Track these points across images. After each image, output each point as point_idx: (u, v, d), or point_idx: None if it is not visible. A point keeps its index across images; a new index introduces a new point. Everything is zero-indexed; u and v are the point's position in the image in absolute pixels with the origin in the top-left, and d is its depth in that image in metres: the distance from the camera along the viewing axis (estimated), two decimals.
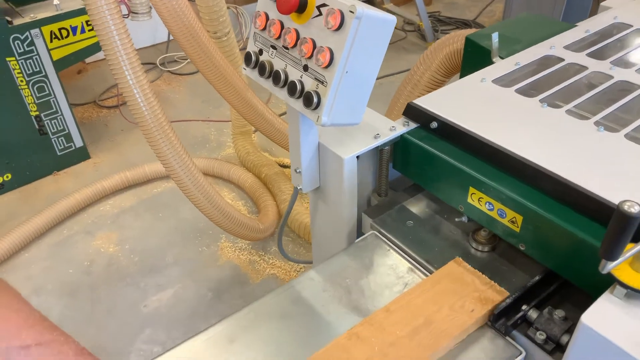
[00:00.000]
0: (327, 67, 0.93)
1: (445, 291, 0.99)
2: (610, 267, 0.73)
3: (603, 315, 0.77)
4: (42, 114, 2.80)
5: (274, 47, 1.04)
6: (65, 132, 2.93)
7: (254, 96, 2.35)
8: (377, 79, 0.99)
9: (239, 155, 2.94)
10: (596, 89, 1.22)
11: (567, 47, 1.40)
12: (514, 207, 1.00)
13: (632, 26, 1.49)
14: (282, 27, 1.01)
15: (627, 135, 1.06)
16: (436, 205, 1.23)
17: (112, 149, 3.21)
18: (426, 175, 1.18)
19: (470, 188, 1.07)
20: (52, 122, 2.86)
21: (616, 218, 0.66)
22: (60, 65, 2.79)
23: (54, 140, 2.91)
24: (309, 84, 0.97)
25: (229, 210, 2.06)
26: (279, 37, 1.01)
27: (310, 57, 0.95)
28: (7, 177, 2.83)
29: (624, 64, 1.32)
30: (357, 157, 1.16)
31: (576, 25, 1.55)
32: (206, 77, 2.13)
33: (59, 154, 2.96)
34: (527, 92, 1.22)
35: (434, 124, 1.16)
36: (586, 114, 1.15)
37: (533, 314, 0.94)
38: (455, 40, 1.67)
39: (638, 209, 0.65)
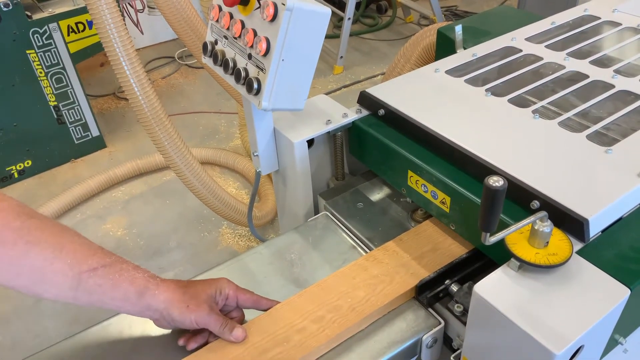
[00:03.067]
0: (265, 55, 1.01)
1: (379, 267, 1.06)
2: (493, 239, 0.79)
3: (493, 285, 0.83)
4: (60, 104, 2.97)
5: (225, 37, 1.13)
6: (82, 122, 3.09)
7: None
8: None
9: (245, 146, 3.05)
10: (544, 78, 1.26)
11: (528, 39, 1.44)
12: (443, 189, 1.06)
13: (599, 18, 1.52)
14: (231, 18, 1.09)
15: (561, 123, 1.11)
16: (387, 188, 1.29)
17: (127, 139, 3.37)
18: (375, 160, 1.25)
19: (409, 171, 1.13)
20: (70, 112, 3.02)
21: (484, 193, 0.73)
22: (77, 57, 2.95)
23: (72, 130, 3.08)
24: (252, 71, 1.06)
25: (226, 197, 2.17)
26: (229, 27, 1.10)
27: (252, 46, 1.03)
28: (28, 163, 3.02)
29: (579, 55, 1.35)
30: (310, 141, 1.24)
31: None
32: (208, 71, 2.24)
33: (76, 142, 3.13)
34: (475, 81, 1.27)
35: (381, 111, 1.22)
36: (528, 103, 1.20)
37: (454, 288, 1.01)
38: (431, 33, 1.72)
39: (502, 184, 0.71)
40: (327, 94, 3.63)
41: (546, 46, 1.40)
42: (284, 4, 0.96)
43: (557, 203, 0.91)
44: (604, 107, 1.18)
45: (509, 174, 0.98)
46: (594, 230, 0.89)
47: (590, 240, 0.89)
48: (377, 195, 1.29)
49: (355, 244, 1.17)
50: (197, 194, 2.11)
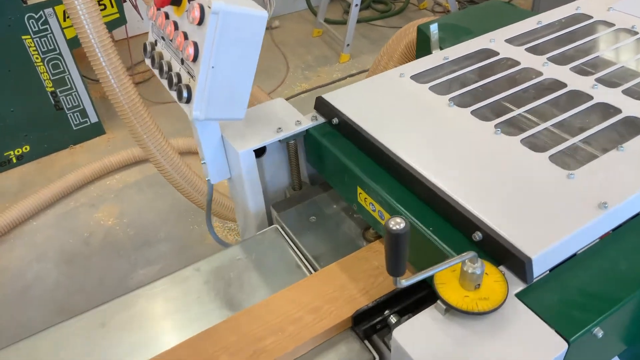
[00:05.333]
0: (194, 61, 0.94)
1: (319, 292, 0.99)
2: (406, 282, 0.71)
3: (415, 330, 0.75)
4: (57, 90, 2.94)
5: (163, 39, 1.05)
6: (80, 108, 3.07)
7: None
8: None
9: None
10: (517, 86, 1.15)
11: (508, 40, 1.32)
12: (389, 210, 0.97)
13: (592, 17, 1.38)
14: (167, 18, 1.02)
15: (524, 140, 1.01)
16: (344, 201, 1.21)
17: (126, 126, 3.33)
18: (328, 172, 1.16)
19: (358, 188, 1.05)
20: (67, 98, 3.00)
21: (386, 236, 0.64)
22: (74, 43, 2.91)
23: (70, 116, 3.06)
24: (185, 78, 0.98)
25: (206, 190, 2.11)
26: (164, 28, 1.02)
27: (182, 50, 0.96)
28: (26, 149, 3.02)
29: (562, 60, 1.24)
30: (261, 149, 1.16)
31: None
32: None
33: (74, 128, 3.11)
34: (441, 89, 1.17)
35: (335, 120, 1.14)
36: (493, 116, 1.09)
37: (393, 320, 0.93)
38: (413, 29, 1.61)
39: (403, 227, 0.62)
40: (331, 83, 3.54)
41: (527, 49, 1.28)
42: (209, 7, 0.88)
43: (499, 237, 0.81)
44: (577, 122, 1.07)
45: (454, 199, 0.89)
46: (540, 269, 0.80)
47: (535, 280, 0.80)
48: (333, 208, 1.21)
49: (300, 263, 1.09)
50: (178, 187, 2.06)
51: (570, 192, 0.88)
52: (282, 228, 1.17)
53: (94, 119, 3.16)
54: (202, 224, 2.63)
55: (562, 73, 1.18)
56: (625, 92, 1.10)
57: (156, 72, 1.06)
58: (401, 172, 0.98)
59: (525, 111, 1.09)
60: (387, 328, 0.94)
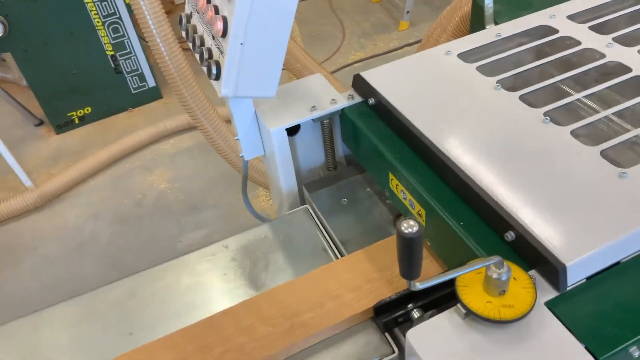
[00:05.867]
0: (223, 36, 0.91)
1: (345, 279, 0.96)
2: (421, 286, 0.66)
3: (430, 333, 0.71)
4: (117, 54, 3.01)
5: (197, 12, 1.03)
6: (138, 72, 3.13)
7: (296, 47, 2.36)
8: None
9: None
10: (574, 70, 1.05)
11: (571, 17, 1.20)
12: (419, 200, 0.92)
13: None
14: None
15: (574, 132, 0.92)
16: (378, 185, 1.17)
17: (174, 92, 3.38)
18: (362, 154, 1.12)
19: (390, 174, 1.00)
20: (127, 62, 3.07)
21: (399, 240, 0.60)
22: None
23: (129, 79, 3.14)
24: (215, 53, 0.96)
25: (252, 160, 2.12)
26: (197, 1, 1.00)
27: (212, 25, 0.93)
28: (88, 110, 3.13)
29: (630, 41, 1.11)
30: (295, 127, 1.13)
31: None
32: None
33: (133, 92, 3.19)
34: (489, 70, 1.08)
35: (372, 100, 1.08)
36: (543, 102, 1.00)
37: (416, 314, 0.89)
38: (468, 0, 1.50)
39: (416, 230, 0.58)
40: (388, 52, 3.43)
41: (590, 27, 1.16)
42: None
43: (533, 238, 0.75)
44: (637, 114, 0.96)
45: (488, 192, 0.82)
46: (575, 277, 0.73)
47: (569, 289, 0.73)
48: (366, 192, 1.16)
49: (327, 247, 1.07)
50: (224, 155, 2.08)
51: (620, 193, 0.80)
52: (313, 209, 1.14)
53: (151, 83, 3.22)
54: (250, 192, 2.65)
55: (628, 56, 1.06)
56: None
57: (190, 45, 1.04)
58: (434, 160, 0.92)
59: (581, 98, 0.99)
60: (410, 322, 0.90)
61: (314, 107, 1.11)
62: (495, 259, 0.68)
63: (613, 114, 0.95)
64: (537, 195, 0.81)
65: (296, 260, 1.05)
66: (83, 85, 3.02)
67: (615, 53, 1.08)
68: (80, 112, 3.12)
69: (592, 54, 1.09)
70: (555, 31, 1.17)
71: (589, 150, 0.88)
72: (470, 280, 0.72)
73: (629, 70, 1.03)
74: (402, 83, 1.08)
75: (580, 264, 0.72)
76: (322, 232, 1.09)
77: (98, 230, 2.57)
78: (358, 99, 1.13)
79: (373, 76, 1.11)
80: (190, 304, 1.00)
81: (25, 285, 2.37)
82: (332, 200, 1.15)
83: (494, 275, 0.68)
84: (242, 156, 1.20)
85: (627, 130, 0.92)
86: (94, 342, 0.97)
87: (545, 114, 0.95)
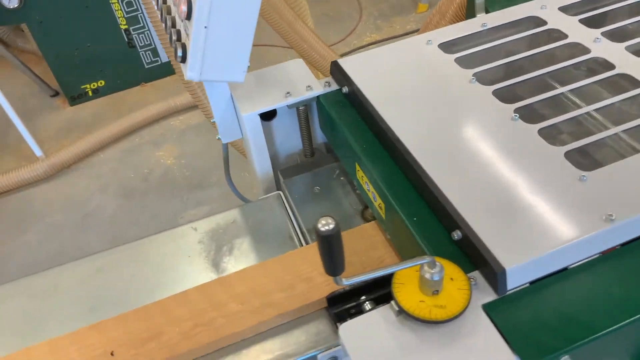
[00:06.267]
0: (188, 19, 0.90)
1: (299, 268, 0.96)
2: (346, 282, 0.66)
3: (362, 328, 0.71)
4: (130, 28, 3.03)
5: None
6: (151, 47, 3.15)
7: (304, 27, 2.34)
8: None
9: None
10: (554, 65, 1.01)
11: (563, 8, 1.16)
12: (380, 193, 0.91)
13: None
14: None
15: (543, 130, 0.89)
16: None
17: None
18: (334, 143, 1.11)
19: (356, 164, 0.99)
20: (140, 36, 3.09)
21: (317, 237, 0.59)
22: None
23: (142, 54, 3.16)
24: (183, 36, 0.95)
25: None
26: None
27: (177, 6, 0.92)
28: (101, 83, 3.17)
29: (620, 36, 1.07)
30: (271, 113, 1.12)
31: None
32: None
33: (146, 67, 3.22)
34: (468, 62, 1.05)
35: (345, 89, 1.07)
36: (517, 97, 0.97)
37: (367, 307, 0.89)
38: None
39: (331, 227, 0.57)
40: (403, 35, 3.37)
41: (581, 20, 1.11)
42: None
43: (477, 239, 0.74)
44: (613, 114, 0.93)
45: (441, 189, 0.81)
46: (515, 282, 0.72)
47: (509, 293, 0.72)
48: (340, 180, 1.16)
49: (294, 234, 1.07)
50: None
51: (576, 198, 0.77)
52: (284, 196, 1.14)
53: (164, 58, 3.23)
54: (241, 173, 2.67)
55: (614, 52, 1.02)
56: None
57: (163, 26, 1.04)
58: (396, 153, 0.91)
59: (557, 95, 0.96)
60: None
61: (288, 93, 1.10)
62: (427, 258, 0.67)
63: (585, 114, 0.91)
64: (490, 196, 0.80)
65: (260, 246, 1.05)
66: (97, 58, 3.06)
67: (601, 48, 1.03)
68: (93, 85, 3.17)
69: (577, 49, 1.05)
70: (544, 23, 1.13)
71: (553, 150, 0.85)
72: (407, 277, 0.72)
73: (612, 67, 0.99)
74: (378, 72, 1.06)
75: (521, 268, 0.71)
76: (291, 220, 1.09)
77: (104, 203, 2.63)
78: (335, 86, 1.11)
79: (350, 64, 1.10)
80: (152, 284, 1.02)
81: (32, 252, 2.45)
82: (305, 187, 1.15)
83: (427, 275, 0.68)
84: (219, 138, 1.20)
85: (600, 130, 0.89)
86: (56, 316, 1.00)
87: (516, 110, 0.93)
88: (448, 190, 0.81)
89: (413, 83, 1.03)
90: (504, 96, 0.97)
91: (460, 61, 1.06)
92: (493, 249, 0.72)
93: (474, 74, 1.02)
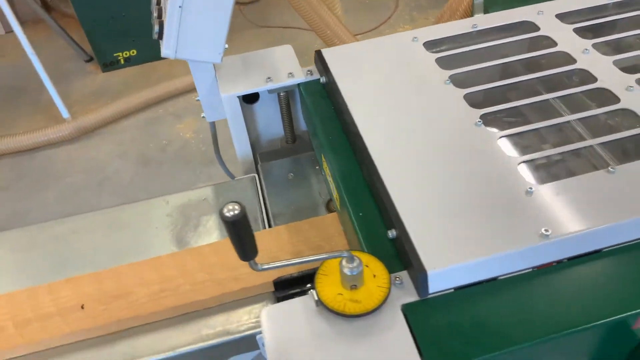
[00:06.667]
0: None
1: (288, 242, 0.98)
2: (262, 267, 0.67)
3: (283, 314, 0.72)
4: None
5: None
6: None
7: (328, 13, 2.34)
8: None
9: None
10: (535, 73, 0.99)
11: (560, 15, 1.12)
12: (336, 185, 0.92)
13: None
14: None
15: (503, 138, 0.88)
16: None
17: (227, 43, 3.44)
18: (310, 132, 1.12)
19: (322, 156, 1.00)
20: None
21: (224, 223, 0.60)
22: None
23: None
24: (164, 13, 0.98)
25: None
26: None
27: None
28: (133, 52, 3.25)
29: (611, 49, 1.03)
30: (253, 96, 1.15)
31: None
32: None
33: None
34: (448, 63, 1.04)
35: (323, 79, 1.08)
36: (486, 103, 0.96)
37: (315, 296, 0.90)
38: None
39: (235, 214, 0.58)
40: None
41: (576, 29, 1.08)
42: None
43: (407, 240, 0.74)
44: (583, 127, 0.90)
45: (386, 187, 0.81)
46: (438, 286, 0.72)
47: (431, 296, 0.72)
48: (314, 169, 1.17)
49: (260, 217, 1.09)
50: None
51: (517, 210, 0.76)
52: (258, 179, 1.16)
53: None
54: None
55: (600, 65, 0.99)
56: None
57: (153, 1, 1.07)
58: (355, 148, 0.91)
59: (529, 104, 0.94)
60: None
61: (269, 78, 1.12)
62: (345, 253, 0.68)
63: (551, 126, 0.89)
64: (434, 199, 0.79)
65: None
66: (130, 28, 3.14)
67: (587, 60, 1.00)
68: (126, 54, 3.25)
69: (563, 59, 1.02)
70: (536, 29, 1.10)
71: (508, 160, 0.84)
72: (331, 269, 0.73)
73: (593, 80, 0.96)
74: (358, 65, 1.07)
75: (444, 273, 0.71)
76: (260, 203, 1.12)
77: (121, 168, 2.71)
78: (317, 75, 1.12)
79: (332, 54, 1.10)
80: (119, 249, 1.06)
81: (49, 210, 2.56)
82: (280, 172, 1.17)
83: (344, 270, 0.69)
84: (204, 117, 1.23)
85: (563, 144, 0.87)
86: (32, 268, 1.06)
87: (482, 116, 0.91)
88: (393, 189, 0.81)
89: (389, 79, 1.02)
90: (476, 101, 0.96)
91: (440, 61, 1.04)
92: (420, 251, 0.72)
93: (451, 76, 1.00)
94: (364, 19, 3.44)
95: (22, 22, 2.60)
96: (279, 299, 0.92)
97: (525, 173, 0.82)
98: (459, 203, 0.78)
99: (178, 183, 2.61)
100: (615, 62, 0.99)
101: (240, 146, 1.20)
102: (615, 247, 0.75)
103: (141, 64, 3.31)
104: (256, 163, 1.24)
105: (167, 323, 0.93)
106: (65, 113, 2.87)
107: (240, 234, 0.61)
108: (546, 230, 0.72)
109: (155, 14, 0.98)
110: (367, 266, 0.72)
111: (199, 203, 1.13)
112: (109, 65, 3.27)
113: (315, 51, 1.12)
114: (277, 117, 1.21)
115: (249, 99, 1.16)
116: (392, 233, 0.78)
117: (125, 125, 2.96)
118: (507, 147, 0.87)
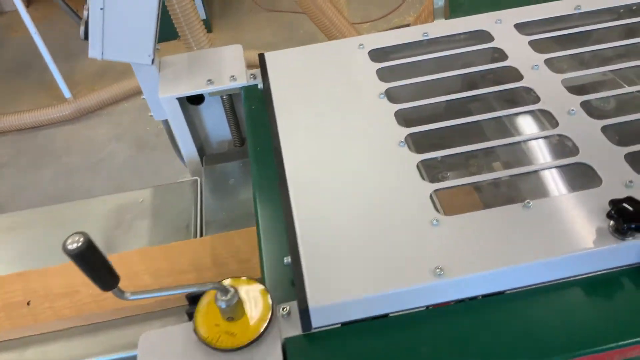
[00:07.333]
0: None
1: (175, 261, 0.96)
2: (131, 297, 0.65)
3: (159, 340, 0.70)
4: None
5: None
6: None
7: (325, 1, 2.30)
8: None
9: None
10: (477, 89, 0.93)
11: (519, 25, 1.05)
12: (253, 200, 0.89)
13: None
14: None
15: (423, 162, 0.83)
16: None
17: (233, 29, 3.41)
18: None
19: (251, 164, 0.97)
20: None
21: (69, 257, 0.58)
22: None
23: None
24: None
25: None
26: None
27: None
28: None
29: (565, 64, 0.96)
30: (198, 98, 1.12)
31: None
32: None
33: None
34: (389, 74, 0.99)
35: (261, 85, 1.04)
36: (416, 121, 0.91)
37: None
38: None
39: (77, 246, 0.56)
40: None
41: (531, 42, 1.01)
42: None
43: (299, 269, 0.71)
44: (515, 153, 0.85)
45: (292, 210, 0.78)
46: (322, 321, 0.69)
47: (315, 330, 0.69)
48: None
49: (192, 224, 1.07)
50: None
51: (419, 243, 0.72)
52: (200, 182, 1.14)
53: (202, 15, 3.25)
54: None
55: (546, 83, 0.92)
56: (606, 128, 0.84)
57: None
58: (277, 162, 0.87)
59: (462, 124, 0.88)
60: None
61: (210, 80, 1.09)
62: (218, 285, 0.65)
63: (478, 150, 0.84)
64: (337, 226, 0.76)
65: (155, 231, 1.06)
66: None
67: (535, 78, 0.94)
68: None
69: (510, 74, 0.96)
70: (490, 39, 1.03)
71: (422, 187, 0.79)
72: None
73: (536, 100, 0.90)
74: (298, 72, 1.02)
75: (328, 308, 0.67)
76: (196, 209, 1.10)
77: (117, 151, 2.73)
78: (260, 79, 1.08)
79: (274, 59, 1.06)
80: (49, 248, 1.06)
81: (43, 189, 2.60)
82: (222, 177, 1.14)
83: (218, 302, 0.66)
84: (151, 116, 1.21)
85: (489, 171, 0.81)
86: None
87: (408, 136, 0.86)
88: (299, 212, 0.78)
89: (324, 90, 0.98)
90: (410, 117, 0.91)
91: (381, 72, 0.99)
92: (308, 283, 0.69)
93: (387, 89, 0.95)
94: (373, 6, 3.35)
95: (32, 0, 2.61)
96: (189, 316, 0.90)
97: (437, 201, 0.77)
98: (361, 233, 0.74)
99: (169, 170, 2.62)
100: (564, 81, 0.93)
101: (185, 147, 1.18)
102: (520, 289, 0.71)
103: None
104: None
105: (82, 330, 0.93)
106: (67, 93, 2.90)
107: (89, 265, 0.59)
108: (439, 269, 0.68)
109: (85, 15, 0.96)
110: (248, 295, 0.70)
111: (135, 205, 1.12)
112: None
113: (259, 54, 1.08)
114: (224, 119, 1.18)
115: (194, 100, 1.13)
116: (287, 259, 0.74)
117: (125, 107, 2.98)
118: (426, 172, 0.82)
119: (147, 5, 0.90)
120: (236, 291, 0.66)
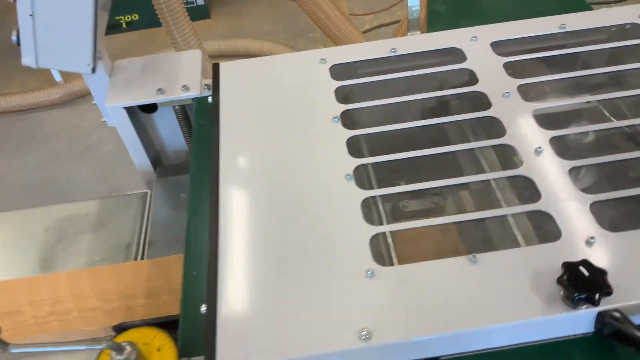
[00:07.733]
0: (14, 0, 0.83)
1: (119, 283, 0.90)
2: (16, 350, 0.59)
3: None
4: None
5: None
6: None
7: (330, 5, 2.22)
8: None
9: None
10: (442, 117, 0.85)
11: (495, 44, 0.96)
12: (185, 228, 0.82)
13: None
14: None
15: (368, 200, 0.75)
16: None
17: (232, 15, 3.31)
18: None
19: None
20: None
21: None
22: None
23: None
24: None
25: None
26: None
27: None
28: (135, 17, 3.17)
29: (540, 92, 0.88)
30: (151, 107, 1.05)
31: None
32: None
33: None
34: (346, 95, 0.91)
35: (210, 98, 0.96)
36: (369, 152, 0.83)
37: None
38: None
39: None
40: None
41: (506, 64, 0.92)
42: None
43: (212, 322, 0.64)
44: (469, 194, 0.77)
45: (218, 249, 0.71)
46: None
47: None
48: None
49: (135, 243, 1.01)
50: None
51: (349, 299, 0.65)
52: (150, 196, 1.08)
53: (200, 1, 3.17)
54: None
55: (515, 114, 0.84)
56: (574, 170, 0.75)
57: None
58: (212, 192, 0.80)
59: (415, 157, 0.80)
60: None
61: (160, 90, 1.01)
62: (112, 343, 0.59)
63: (430, 190, 0.76)
64: (264, 274, 0.69)
65: (96, 250, 1.00)
66: None
67: (504, 107, 0.85)
68: (128, 18, 3.17)
69: (478, 100, 0.88)
70: (463, 59, 0.94)
71: (365, 229, 0.71)
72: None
73: (502, 133, 0.82)
74: (252, 86, 0.95)
75: None
76: (141, 226, 1.03)
77: (104, 138, 2.68)
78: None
79: (229, 69, 0.98)
80: None
81: (27, 175, 2.56)
82: (173, 191, 1.08)
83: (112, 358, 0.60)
84: (104, 121, 1.14)
85: (439, 215, 0.74)
86: None
87: (357, 169, 0.79)
88: (225, 252, 0.71)
89: (275, 110, 0.90)
90: (358, 147, 0.83)
91: (338, 92, 0.91)
92: (220, 339, 0.62)
93: (343, 112, 0.87)
94: None
95: None
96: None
97: (391, 245, 0.70)
98: (289, 284, 0.67)
99: None
100: (536, 112, 0.84)
101: (136, 157, 1.11)
102: (457, 356, 0.63)
103: (143, 30, 3.23)
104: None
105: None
106: (57, 76, 2.84)
107: None
108: (365, 332, 0.61)
109: (19, 22, 0.89)
110: (158, 350, 0.63)
111: (79, 219, 1.06)
112: (110, 27, 3.18)
113: (213, 64, 1.01)
114: (178, 129, 1.11)
115: (147, 108, 1.06)
116: (204, 307, 0.68)
117: None
118: (371, 211, 0.74)
119: (81, 12, 0.83)
120: (133, 348, 0.59)
